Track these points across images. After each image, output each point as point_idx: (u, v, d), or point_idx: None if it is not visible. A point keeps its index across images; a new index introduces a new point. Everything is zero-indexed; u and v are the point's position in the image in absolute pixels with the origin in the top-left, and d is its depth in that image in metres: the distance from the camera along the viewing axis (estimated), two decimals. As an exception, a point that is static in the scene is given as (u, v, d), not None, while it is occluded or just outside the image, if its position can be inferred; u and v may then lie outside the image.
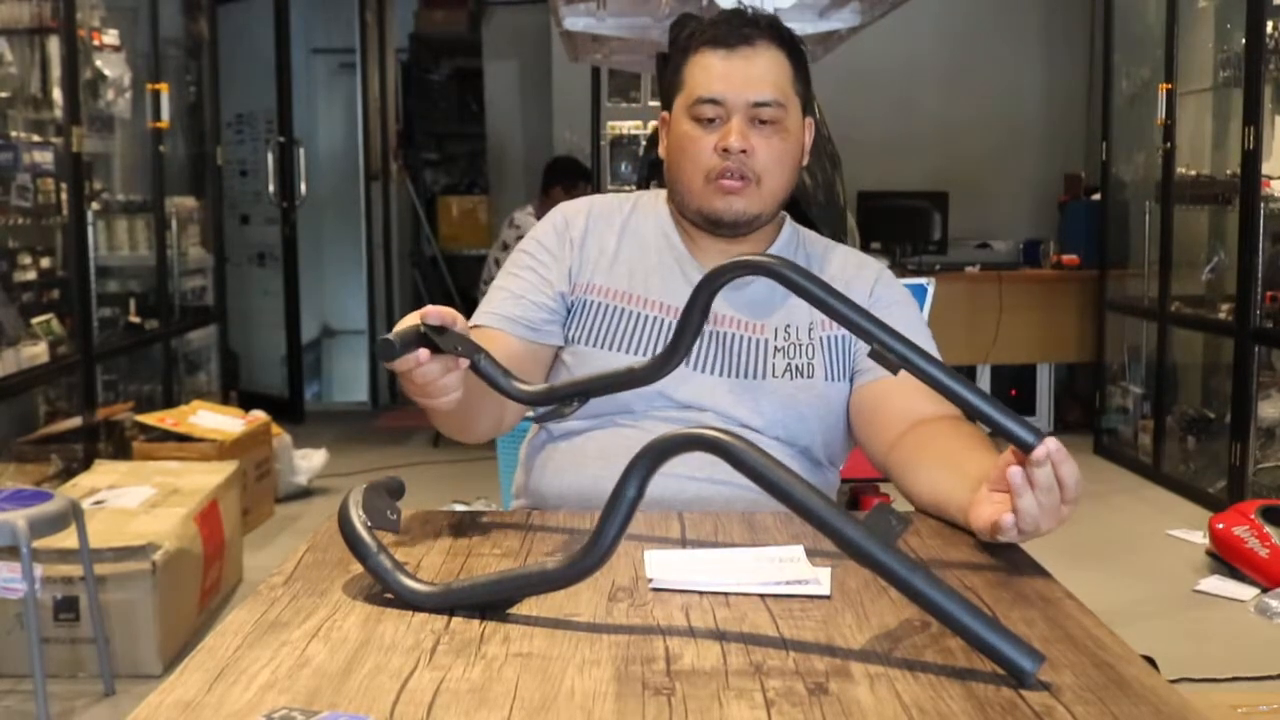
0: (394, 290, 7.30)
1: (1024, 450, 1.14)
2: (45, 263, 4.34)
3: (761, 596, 1.11)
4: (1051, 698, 0.89)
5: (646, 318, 1.60)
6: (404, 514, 1.29)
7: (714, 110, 1.56)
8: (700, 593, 1.11)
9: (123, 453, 4.38)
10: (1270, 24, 4.32)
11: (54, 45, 4.26)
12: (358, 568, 1.13)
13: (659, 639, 1.00)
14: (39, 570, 2.58)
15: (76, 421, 4.32)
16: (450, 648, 0.98)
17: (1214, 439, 4.83)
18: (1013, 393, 6.03)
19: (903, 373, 1.15)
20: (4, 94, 4.17)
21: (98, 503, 3.28)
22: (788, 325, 1.61)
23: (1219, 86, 4.82)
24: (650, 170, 3.31)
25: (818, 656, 0.96)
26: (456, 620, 1.04)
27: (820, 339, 1.61)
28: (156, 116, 5.11)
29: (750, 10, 1.63)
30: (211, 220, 5.81)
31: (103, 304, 4.78)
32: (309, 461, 4.89)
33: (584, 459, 1.57)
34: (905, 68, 6.35)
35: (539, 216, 2.79)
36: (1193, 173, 4.98)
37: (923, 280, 2.84)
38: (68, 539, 2.77)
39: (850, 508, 2.94)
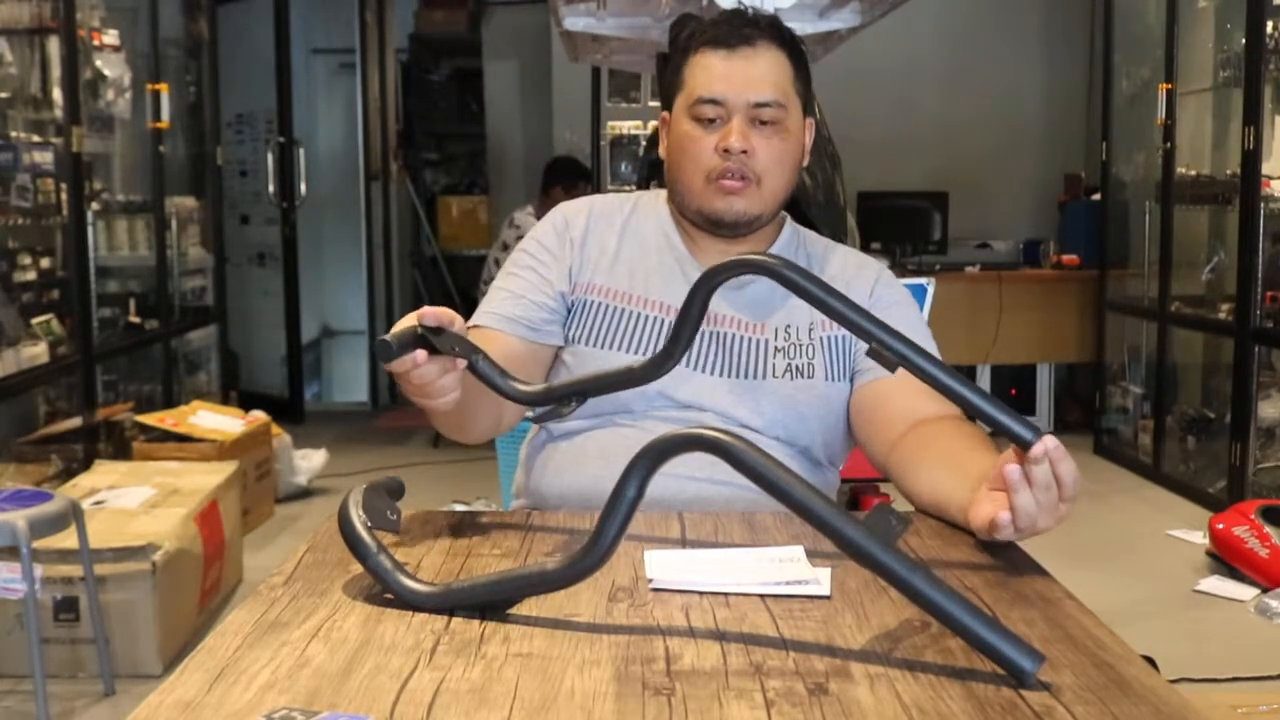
0: (394, 290, 7.30)
1: (1022, 447, 1.14)
2: (45, 263, 4.34)
3: (761, 597, 1.11)
4: (1051, 698, 0.89)
5: (646, 318, 1.60)
6: (404, 514, 1.29)
7: (714, 110, 1.56)
8: (700, 593, 1.11)
9: (123, 453, 4.38)
10: (1270, 24, 4.32)
11: (54, 45, 4.26)
12: (358, 568, 1.13)
13: (659, 639, 1.00)
14: (39, 570, 2.58)
15: (76, 422, 4.32)
16: (450, 648, 0.98)
17: (1214, 439, 4.83)
18: (1013, 393, 6.03)
19: (903, 373, 1.15)
20: (4, 94, 4.17)
21: (98, 503, 3.28)
22: (788, 325, 1.61)
23: (1219, 86, 4.82)
24: (650, 170, 3.31)
25: (818, 657, 0.96)
26: (456, 620, 1.04)
27: (820, 339, 1.61)
28: (156, 116, 5.11)
29: (751, 10, 1.63)
30: (211, 220, 5.82)
31: (103, 304, 4.78)
32: (309, 462, 4.89)
33: (584, 459, 1.57)
34: (905, 68, 6.35)
35: (539, 216, 2.79)
36: (1193, 173, 4.98)
37: (923, 280, 2.84)
38: (68, 539, 2.77)
39: (850, 508, 2.94)
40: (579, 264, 1.64)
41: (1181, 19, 4.98)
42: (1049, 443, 1.13)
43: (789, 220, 1.71)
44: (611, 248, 1.65)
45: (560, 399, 1.34)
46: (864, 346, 1.55)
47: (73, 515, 2.71)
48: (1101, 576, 3.73)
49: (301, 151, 6.45)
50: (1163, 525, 4.42)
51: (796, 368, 1.59)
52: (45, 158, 4.17)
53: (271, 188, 6.36)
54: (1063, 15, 6.55)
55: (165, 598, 2.99)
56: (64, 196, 4.26)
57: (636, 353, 1.58)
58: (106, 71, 4.65)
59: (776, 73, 1.57)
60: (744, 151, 1.55)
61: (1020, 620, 1.05)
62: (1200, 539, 4.07)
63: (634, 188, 4.95)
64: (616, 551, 1.01)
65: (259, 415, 4.62)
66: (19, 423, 4.30)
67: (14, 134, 4.16)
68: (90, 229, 4.55)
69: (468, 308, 1.69)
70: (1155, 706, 0.87)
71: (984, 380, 5.94)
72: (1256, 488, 4.36)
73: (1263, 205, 4.33)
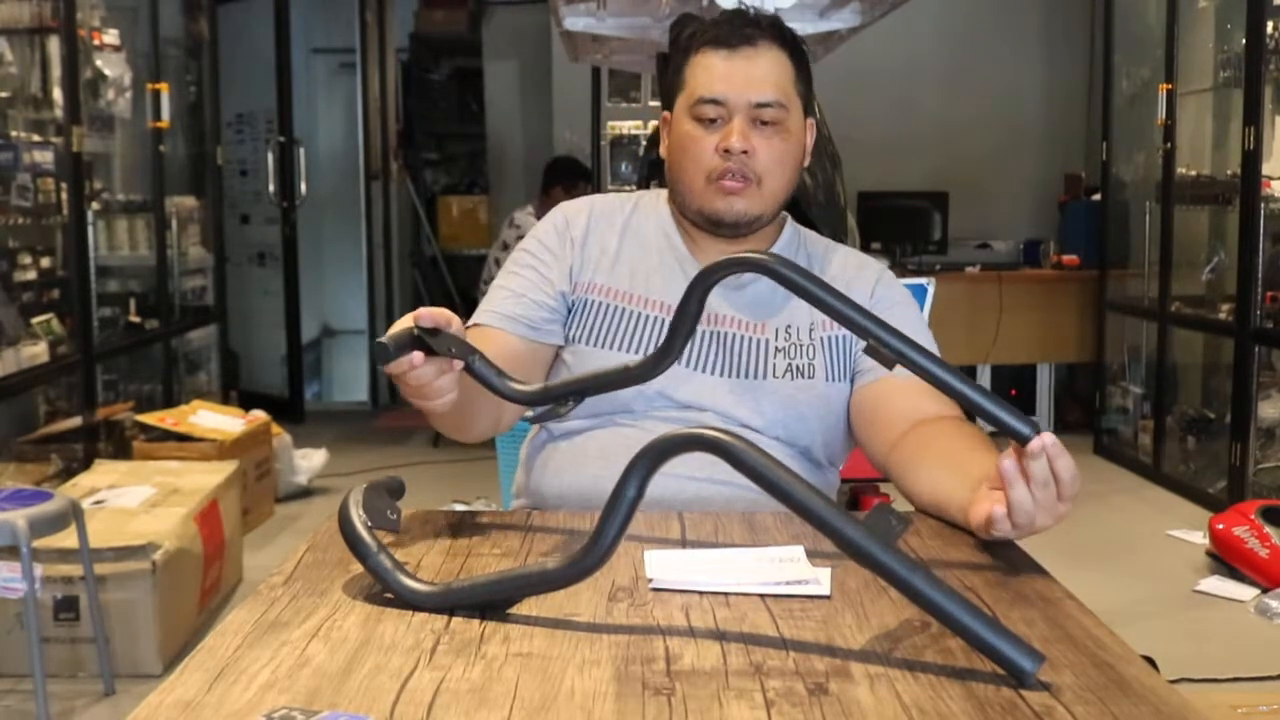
0: (394, 290, 7.31)
1: (1020, 442, 1.14)
2: (45, 262, 4.34)
3: (761, 596, 1.11)
4: (1051, 698, 0.89)
5: (647, 317, 1.60)
6: (404, 514, 1.29)
7: (715, 110, 1.56)
8: (700, 593, 1.11)
9: (123, 452, 4.38)
10: (1270, 24, 4.32)
11: (54, 45, 4.26)
12: (358, 567, 1.13)
13: (659, 639, 1.00)
14: (39, 570, 2.58)
15: (76, 421, 4.32)
16: (450, 648, 0.98)
17: (1214, 439, 4.83)
18: (1013, 393, 6.03)
19: (904, 374, 1.15)
20: (4, 94, 4.17)
21: (98, 502, 3.29)
22: (788, 326, 1.61)
23: (1219, 86, 4.82)
24: (650, 170, 3.31)
25: (818, 657, 0.96)
26: (456, 620, 1.04)
27: (821, 339, 1.61)
28: (157, 116, 5.11)
29: (752, 10, 1.63)
30: (212, 220, 5.82)
31: (103, 304, 4.78)
32: (309, 461, 4.89)
33: (584, 459, 1.57)
34: (905, 68, 6.35)
35: (539, 216, 2.79)
36: (1193, 173, 4.98)
37: (923, 280, 2.84)
38: (68, 539, 2.77)
39: (850, 508, 2.94)
40: (579, 263, 1.64)
41: (1182, 19, 4.98)
42: (1047, 439, 1.13)
43: (789, 220, 1.71)
44: (612, 247, 1.65)
45: (557, 399, 1.34)
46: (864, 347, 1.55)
47: (73, 514, 2.71)
48: (1101, 576, 3.73)
49: (302, 151, 6.45)
50: (1163, 525, 4.42)
51: (797, 368, 1.59)
52: (45, 157, 4.17)
53: (272, 187, 6.36)
54: (1063, 15, 6.55)
55: (165, 597, 2.99)
56: (64, 196, 4.26)
57: (636, 353, 1.58)
58: (107, 71, 4.65)
59: (778, 73, 1.57)
60: (745, 152, 1.55)
61: (1020, 620, 1.05)
62: (1200, 539, 4.07)
63: (634, 188, 4.95)
64: (616, 551, 1.01)
65: (259, 415, 4.62)
66: (19, 422, 4.30)
67: (14, 133, 4.16)
68: (90, 228, 4.55)
69: (468, 308, 1.69)
70: (1155, 707, 0.87)
71: (984, 380, 5.93)
72: (1256, 488, 4.36)
73: (1263, 205, 4.33)
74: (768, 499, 0.99)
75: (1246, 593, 3.62)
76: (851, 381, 1.62)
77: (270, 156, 6.35)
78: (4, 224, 4.04)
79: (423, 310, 1.24)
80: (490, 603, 1.06)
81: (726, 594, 1.11)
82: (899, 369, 1.17)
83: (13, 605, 2.81)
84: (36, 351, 4.06)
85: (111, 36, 4.72)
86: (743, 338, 1.60)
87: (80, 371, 4.31)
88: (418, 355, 1.23)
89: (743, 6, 1.67)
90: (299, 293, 6.59)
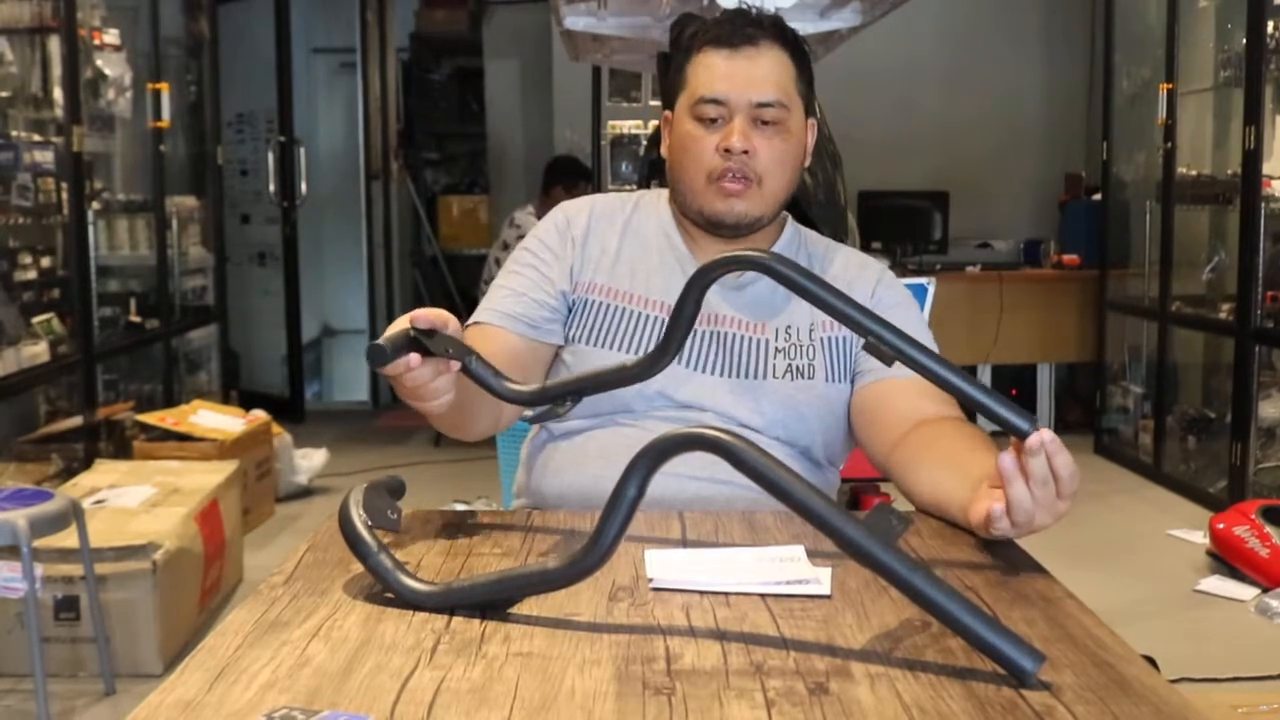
0: (394, 290, 7.31)
1: (1019, 437, 1.14)
2: (46, 262, 4.34)
3: (762, 596, 1.11)
4: (1052, 697, 0.89)
5: (647, 317, 1.60)
6: (404, 513, 1.29)
7: (716, 110, 1.56)
8: (701, 592, 1.11)
9: (123, 452, 4.38)
10: (1271, 24, 4.32)
11: (54, 44, 4.26)
12: (358, 567, 1.13)
13: (659, 639, 1.00)
14: (39, 570, 2.58)
15: (77, 421, 4.32)
16: (451, 647, 0.98)
17: (1214, 439, 4.83)
18: (1013, 392, 6.02)
19: (905, 374, 1.15)
20: (5, 93, 4.17)
21: (98, 502, 3.29)
22: (788, 326, 1.61)
23: (1220, 86, 4.82)
24: (651, 170, 3.31)
25: (818, 656, 0.96)
26: (457, 620, 1.04)
27: (821, 340, 1.61)
28: (157, 116, 5.11)
29: (754, 10, 1.63)
30: (212, 220, 5.82)
31: (103, 303, 4.79)
32: (309, 461, 4.89)
33: (584, 458, 1.57)
34: (906, 68, 6.35)
35: (539, 216, 2.79)
36: (1193, 172, 4.98)
37: (923, 280, 2.84)
38: (68, 538, 2.77)
39: (851, 507, 2.94)
40: (580, 263, 1.64)
41: (1182, 19, 4.98)
42: (1045, 435, 1.13)
43: (790, 220, 1.71)
44: (613, 247, 1.65)
45: (555, 399, 1.33)
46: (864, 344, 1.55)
47: (73, 514, 2.71)
48: (1102, 576, 3.73)
49: (302, 151, 6.45)
50: (1163, 525, 4.42)
51: (797, 368, 1.59)
52: (46, 157, 4.17)
53: (272, 187, 6.36)
54: (1063, 15, 6.55)
55: (166, 597, 2.99)
56: (65, 196, 4.26)
57: (636, 353, 1.57)
58: (107, 71, 4.65)
59: (779, 73, 1.57)
60: (745, 152, 1.55)
61: (1021, 620, 1.05)
62: (1201, 539, 4.07)
63: (635, 187, 4.95)
64: (617, 551, 1.01)
65: (259, 414, 4.62)
66: (19, 422, 4.30)
67: (15, 133, 4.16)
68: (91, 228, 4.55)
69: (468, 307, 1.69)
70: (1156, 706, 0.87)
71: (985, 380, 5.93)
72: (1257, 487, 4.36)
73: (1263, 205, 4.33)
74: (768, 498, 0.99)
75: (1247, 592, 3.62)
76: (852, 382, 1.62)
77: (271, 156, 6.35)
78: (4, 223, 4.04)
79: (419, 311, 1.24)
80: (491, 602, 1.06)
81: (727, 593, 1.11)
82: (899, 369, 1.17)
83: (13, 605, 2.81)
84: (37, 351, 4.06)
85: (112, 36, 4.72)
86: (743, 338, 1.60)
87: (81, 371, 4.31)
88: (414, 357, 1.22)
89: (744, 6, 1.67)
90: (299, 292, 6.59)
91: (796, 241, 1.69)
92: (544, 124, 6.87)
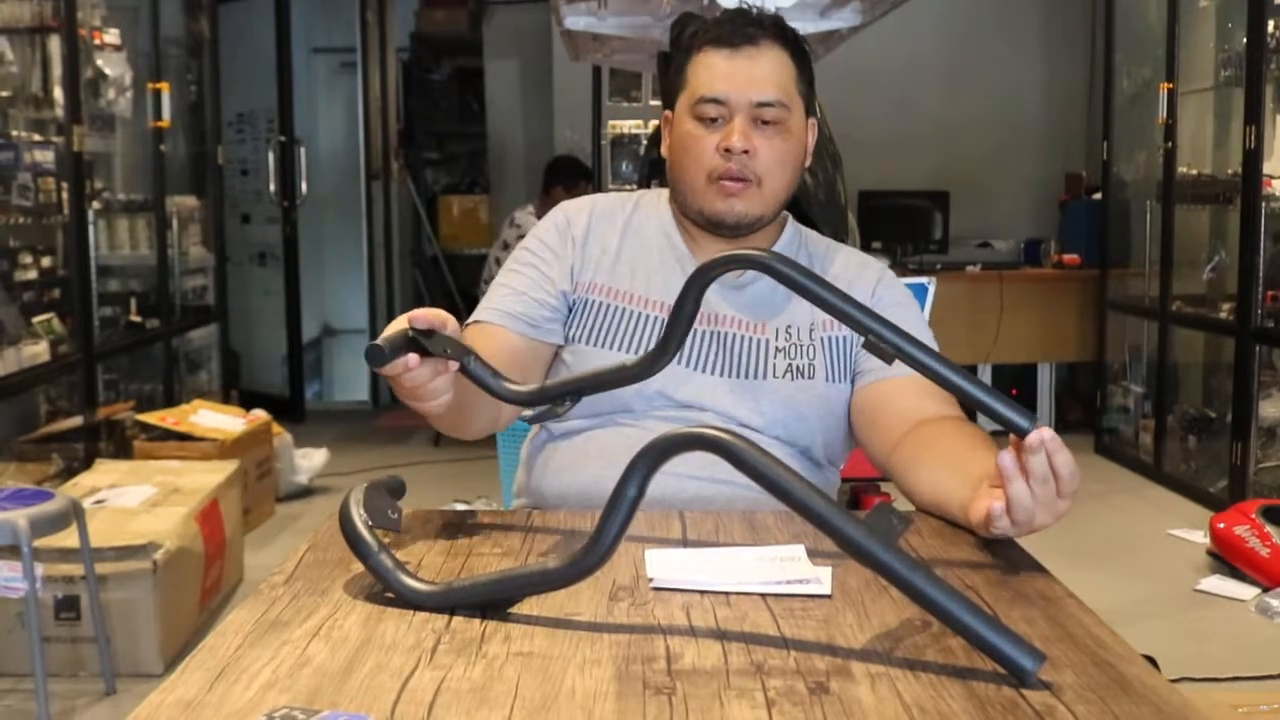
0: (395, 290, 7.31)
1: (1018, 435, 1.14)
2: (46, 262, 4.34)
3: (762, 596, 1.11)
4: (1052, 697, 0.89)
5: (647, 317, 1.60)
6: (405, 513, 1.29)
7: (717, 110, 1.56)
8: (701, 592, 1.11)
9: (124, 452, 4.38)
10: (1271, 23, 4.32)
11: (55, 44, 4.26)
12: (359, 567, 1.13)
13: (660, 638, 1.00)
14: (40, 569, 2.58)
15: (77, 421, 4.32)
16: (451, 647, 0.98)
17: (1215, 438, 4.83)
18: (1014, 392, 6.02)
19: (905, 374, 1.15)
20: (5, 93, 4.17)
21: (99, 502, 3.29)
22: (789, 326, 1.61)
23: (1220, 86, 4.82)
24: (651, 169, 3.31)
25: (819, 656, 0.96)
26: (457, 619, 1.04)
27: (821, 340, 1.61)
28: (157, 115, 5.11)
29: (754, 10, 1.63)
30: (212, 219, 5.82)
31: (104, 303, 4.78)
32: (310, 461, 4.89)
33: (585, 458, 1.57)
34: (906, 67, 6.35)
35: (540, 216, 2.79)
36: (1194, 172, 4.98)
37: (924, 279, 2.84)
38: (69, 538, 2.77)
39: (851, 507, 2.93)
40: (580, 263, 1.64)
41: (1182, 18, 4.97)
42: (1045, 433, 1.13)
43: (791, 220, 1.71)
44: (613, 247, 1.65)
45: (553, 399, 1.33)
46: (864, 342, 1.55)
47: (74, 514, 2.71)
48: (1102, 576, 3.73)
49: (302, 150, 6.45)
50: (1164, 525, 4.42)
51: (797, 368, 1.59)
52: (46, 156, 4.17)
53: (272, 187, 6.37)
54: (1063, 15, 6.55)
55: (166, 596, 2.99)
56: (65, 195, 4.26)
57: (636, 352, 1.57)
58: (107, 70, 4.65)
59: (779, 72, 1.57)
60: (745, 152, 1.55)
61: (1021, 619, 1.04)
62: (1201, 538, 4.07)
63: (635, 187, 4.95)
64: (617, 551, 1.01)
65: (260, 414, 4.62)
66: (20, 421, 4.30)
67: (15, 133, 4.16)
68: (91, 228, 4.55)
69: (469, 307, 1.69)
70: (1156, 706, 0.87)
71: (985, 380, 5.92)
72: (1257, 487, 4.36)
73: (1264, 204, 4.33)
74: (768, 498, 0.99)
75: (1247, 592, 3.62)
76: (852, 382, 1.62)
77: (271, 156, 6.35)
78: (5, 223, 4.04)
79: (417, 311, 1.24)
80: (491, 602, 1.06)
81: (727, 593, 1.11)
82: (899, 369, 1.17)
83: (14, 605, 2.81)
84: (37, 351, 4.06)
85: (112, 36, 4.72)
86: (743, 338, 1.60)
87: (81, 371, 4.31)
88: (413, 357, 1.22)
89: (744, 6, 1.67)
90: (300, 292, 6.59)
91: (797, 241, 1.69)
92: (544, 124, 6.87)
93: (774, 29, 1.59)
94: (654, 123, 5.13)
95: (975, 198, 6.29)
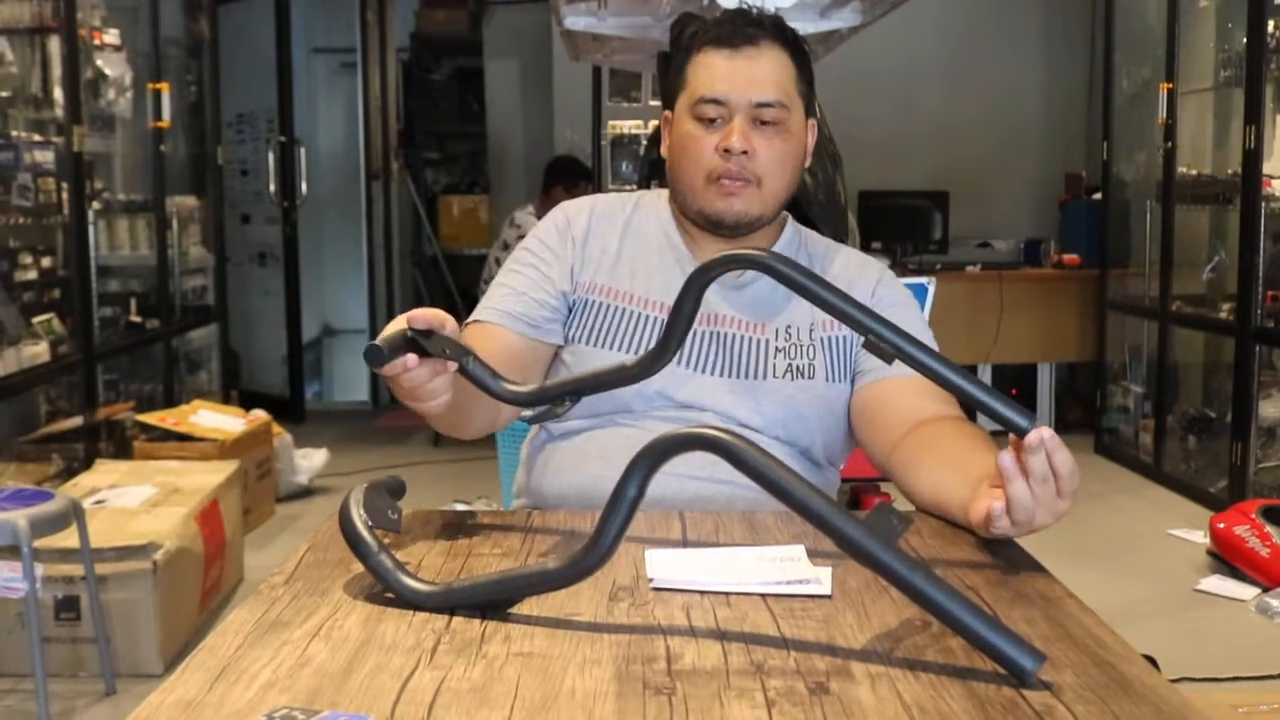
0: (395, 290, 7.31)
1: (1018, 434, 1.14)
2: (46, 262, 4.34)
3: (762, 596, 1.11)
4: (1052, 697, 0.89)
5: (647, 318, 1.60)
6: (405, 513, 1.29)
7: (716, 110, 1.56)
8: (701, 592, 1.11)
9: (124, 452, 4.38)
10: (1271, 23, 4.32)
11: (55, 45, 4.26)
12: (359, 567, 1.13)
13: (660, 638, 1.00)
14: (40, 570, 2.58)
15: (77, 421, 4.32)
16: (451, 647, 0.98)
17: (1215, 438, 4.83)
18: (1014, 392, 6.02)
19: (905, 374, 1.15)
20: (5, 93, 4.17)
21: (99, 502, 3.29)
22: (788, 326, 1.61)
23: (1220, 86, 4.82)
24: (651, 170, 3.31)
25: (819, 656, 0.96)
26: (457, 620, 1.04)
27: (821, 340, 1.61)
28: (157, 116, 5.11)
29: (754, 10, 1.63)
30: (212, 220, 5.82)
31: (104, 303, 4.78)
32: (310, 461, 4.89)
33: (585, 458, 1.57)
34: (906, 67, 6.35)
35: (540, 216, 2.79)
36: (1194, 172, 4.98)
37: (923, 280, 2.84)
38: (69, 538, 2.77)
39: (851, 507, 2.94)
40: (580, 263, 1.64)
41: (1182, 18, 4.98)
42: (1045, 432, 1.13)
43: (790, 220, 1.71)
44: (613, 247, 1.65)
45: (552, 399, 1.33)
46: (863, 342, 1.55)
47: (74, 514, 2.71)
48: (1102, 576, 3.73)
49: (302, 151, 6.45)
50: (1163, 524, 4.42)
51: (797, 368, 1.59)
52: (46, 157, 4.17)
53: (272, 187, 6.37)
54: (1063, 15, 6.55)
55: (166, 597, 2.99)
56: (65, 196, 4.26)
57: (636, 353, 1.57)
58: (107, 71, 4.65)
59: (779, 73, 1.57)
60: (744, 152, 1.55)
61: (1021, 619, 1.05)
62: (1201, 538, 4.07)
63: (635, 187, 4.95)
64: (617, 551, 1.01)
65: (260, 414, 4.62)
66: (20, 422, 4.30)
67: (15, 133, 4.16)
68: (91, 228, 4.55)
69: (468, 307, 1.69)
70: (1156, 706, 0.87)
71: (985, 380, 5.92)
72: (1257, 487, 4.36)
73: (1264, 204, 4.33)
74: (768, 498, 0.99)
75: (1247, 592, 3.62)
76: (852, 382, 1.62)
77: (271, 156, 6.35)
78: (5, 224, 4.04)
79: (416, 312, 1.24)
80: (491, 602, 1.06)
81: (727, 593, 1.11)
82: (899, 369, 1.17)
83: (14, 605, 2.81)
84: (37, 351, 4.06)
85: (112, 36, 4.72)
86: (743, 338, 1.60)
87: (81, 371, 4.31)
88: (411, 358, 1.22)
89: (744, 6, 1.67)
90: (300, 292, 6.59)
91: (797, 241, 1.69)
92: (544, 124, 6.87)
93: (774, 29, 1.59)
94: (654, 123, 5.13)
95: (975, 198, 6.29)
